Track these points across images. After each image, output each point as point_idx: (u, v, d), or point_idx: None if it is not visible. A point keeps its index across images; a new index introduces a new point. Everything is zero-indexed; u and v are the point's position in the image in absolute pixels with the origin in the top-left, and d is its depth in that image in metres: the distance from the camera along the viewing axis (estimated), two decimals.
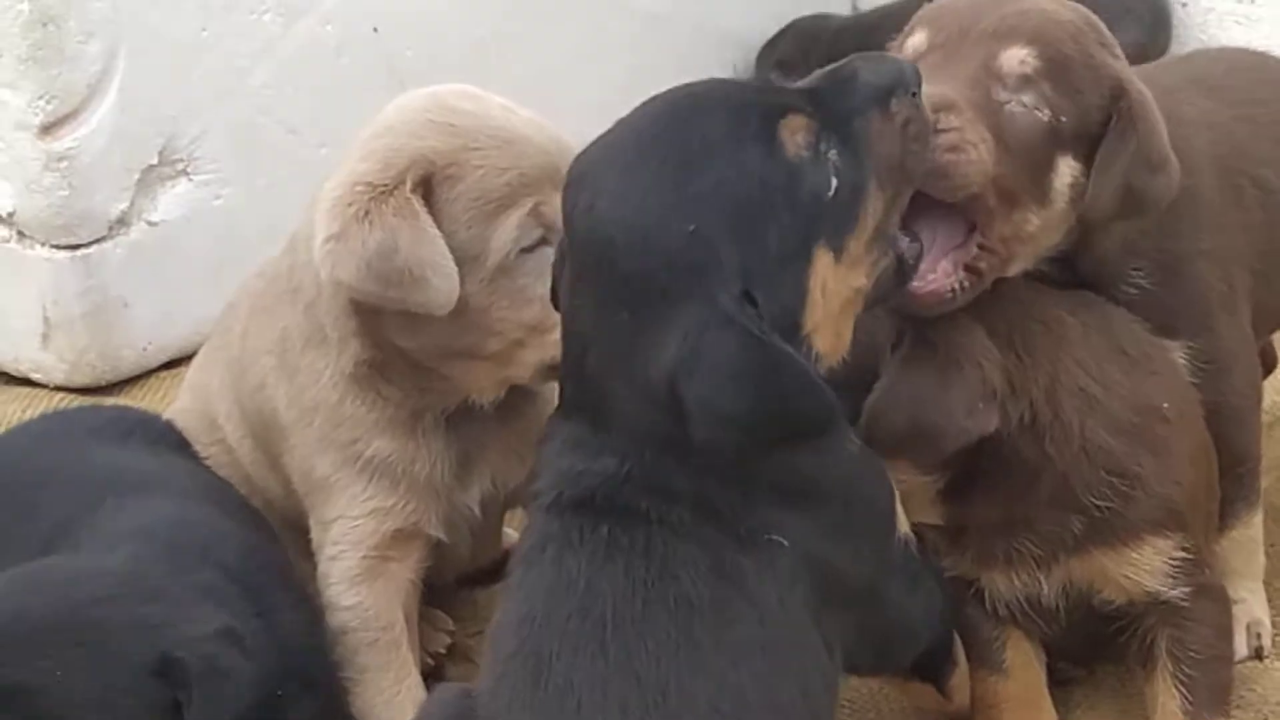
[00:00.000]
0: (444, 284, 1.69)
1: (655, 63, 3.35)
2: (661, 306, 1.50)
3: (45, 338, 2.68)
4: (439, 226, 1.73)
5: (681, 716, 1.47)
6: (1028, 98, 1.77)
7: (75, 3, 2.52)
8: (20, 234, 2.64)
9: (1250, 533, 2.12)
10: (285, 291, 1.92)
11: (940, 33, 1.81)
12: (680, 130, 1.56)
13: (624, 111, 1.72)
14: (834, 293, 1.54)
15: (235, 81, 2.77)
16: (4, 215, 2.64)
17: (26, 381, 2.69)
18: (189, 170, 2.73)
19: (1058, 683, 2.04)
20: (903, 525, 1.70)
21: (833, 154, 1.54)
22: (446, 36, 3.17)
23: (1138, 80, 1.86)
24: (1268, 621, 2.17)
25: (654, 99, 1.64)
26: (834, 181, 1.53)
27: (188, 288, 2.77)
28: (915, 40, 1.84)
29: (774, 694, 1.53)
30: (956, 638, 1.83)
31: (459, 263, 1.72)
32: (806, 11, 3.86)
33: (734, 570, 1.52)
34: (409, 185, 1.73)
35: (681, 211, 1.49)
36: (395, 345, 1.79)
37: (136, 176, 2.66)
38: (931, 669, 1.82)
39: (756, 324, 1.48)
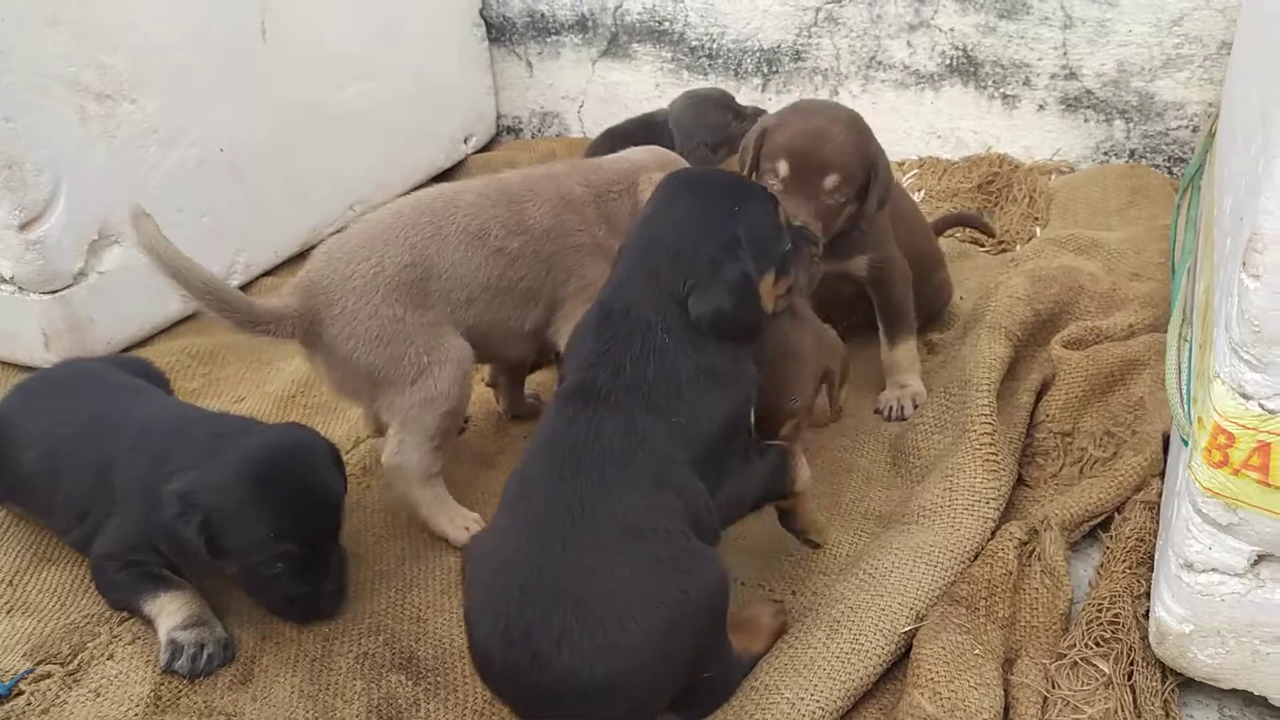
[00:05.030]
0: None
1: None
2: (709, 250, 1.91)
3: (46, 344, 3.15)
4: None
5: (594, 521, 1.74)
6: (836, 196, 2.51)
7: (29, 151, 2.95)
8: (20, 288, 3.08)
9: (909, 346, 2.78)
10: (572, 212, 2.52)
11: (793, 165, 2.48)
12: (737, 188, 2.03)
13: None
14: (768, 287, 2.01)
15: (139, 184, 3.24)
16: (7, 278, 3.05)
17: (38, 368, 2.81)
18: (119, 240, 3.19)
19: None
20: (750, 420, 1.99)
21: (788, 235, 2.04)
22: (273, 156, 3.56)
23: (881, 152, 2.56)
24: (923, 391, 2.73)
25: (712, 174, 2.11)
26: (788, 245, 2.03)
27: (125, 308, 3.23)
28: (782, 166, 2.49)
29: (658, 504, 1.79)
30: (790, 477, 2.08)
31: None
32: None
33: (642, 433, 1.80)
34: (640, 185, 2.55)
35: (732, 219, 1.95)
36: None
37: (86, 247, 3.09)
38: (776, 498, 2.11)
39: (753, 274, 1.92)
